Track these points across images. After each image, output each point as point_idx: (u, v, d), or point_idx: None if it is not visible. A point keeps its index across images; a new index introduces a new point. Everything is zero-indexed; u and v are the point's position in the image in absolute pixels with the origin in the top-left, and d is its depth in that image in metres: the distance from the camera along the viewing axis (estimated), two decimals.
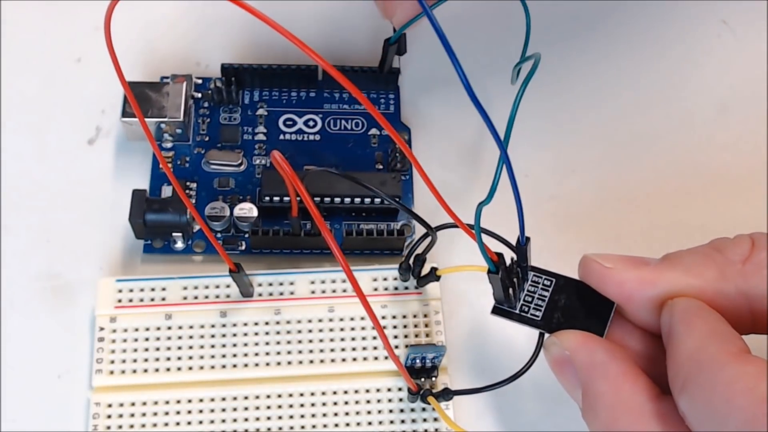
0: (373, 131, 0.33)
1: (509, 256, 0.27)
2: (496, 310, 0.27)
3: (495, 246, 0.27)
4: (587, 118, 0.34)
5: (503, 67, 0.31)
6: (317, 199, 0.30)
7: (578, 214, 0.32)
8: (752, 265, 0.24)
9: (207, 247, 0.31)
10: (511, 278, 0.26)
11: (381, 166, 0.32)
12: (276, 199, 0.30)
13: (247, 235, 0.31)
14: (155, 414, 0.28)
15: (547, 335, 0.27)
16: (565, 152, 0.34)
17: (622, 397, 0.24)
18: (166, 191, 0.31)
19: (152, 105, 0.32)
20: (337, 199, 0.30)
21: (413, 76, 0.35)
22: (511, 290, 0.26)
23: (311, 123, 0.33)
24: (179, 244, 0.31)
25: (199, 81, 0.34)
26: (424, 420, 0.28)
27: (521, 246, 0.26)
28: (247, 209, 0.31)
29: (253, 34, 0.35)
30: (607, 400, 0.24)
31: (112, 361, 0.28)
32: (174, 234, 0.30)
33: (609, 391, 0.24)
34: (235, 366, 0.28)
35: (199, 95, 0.33)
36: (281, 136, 0.33)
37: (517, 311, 0.27)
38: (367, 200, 0.30)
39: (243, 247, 0.31)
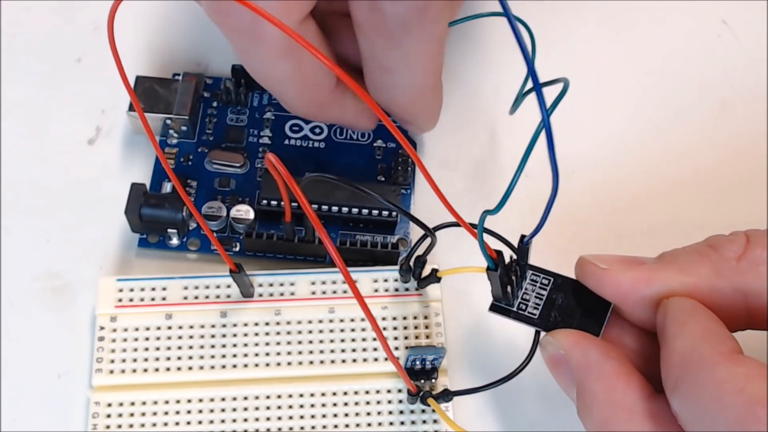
0: (379, 143, 0.33)
1: (508, 254, 0.27)
2: (494, 308, 0.27)
3: (494, 245, 0.27)
4: (587, 117, 0.34)
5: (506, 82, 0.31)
6: (314, 206, 0.30)
7: (578, 214, 0.33)
8: (747, 262, 0.24)
9: (202, 246, 0.31)
10: (510, 276, 0.26)
11: (383, 178, 0.32)
12: (273, 203, 0.30)
13: (241, 237, 0.31)
14: (155, 414, 0.28)
15: (543, 334, 0.27)
16: (565, 152, 0.33)
17: (616, 397, 0.24)
18: (167, 187, 0.32)
19: (159, 100, 0.32)
20: (335, 208, 0.30)
21: None
22: (509, 288, 0.26)
23: (317, 130, 0.33)
24: (174, 241, 0.31)
25: (210, 81, 0.34)
26: (424, 422, 0.28)
27: (523, 245, 0.26)
28: (244, 211, 0.31)
29: None
30: (601, 399, 0.24)
31: (112, 361, 0.28)
32: (169, 230, 0.30)
33: (603, 390, 0.24)
34: (235, 366, 0.28)
35: (208, 95, 0.33)
36: (286, 141, 0.33)
37: (515, 309, 0.27)
38: (365, 211, 0.30)
39: (237, 249, 0.31)
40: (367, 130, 0.32)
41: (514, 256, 0.27)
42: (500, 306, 0.27)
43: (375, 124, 0.32)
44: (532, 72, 0.21)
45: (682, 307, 0.24)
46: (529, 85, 0.30)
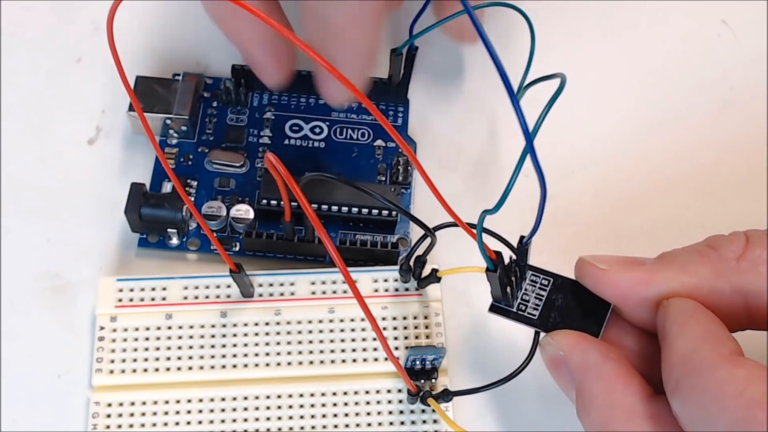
0: (379, 142, 0.33)
1: (508, 254, 0.27)
2: (494, 308, 0.27)
3: (494, 245, 0.27)
4: (587, 117, 0.34)
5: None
6: (314, 206, 0.30)
7: (578, 214, 0.33)
8: (747, 262, 0.24)
9: (202, 246, 0.31)
10: (509, 276, 0.26)
11: (383, 178, 0.32)
12: (273, 202, 0.30)
13: (241, 237, 0.31)
14: (155, 414, 0.28)
15: (542, 334, 0.27)
16: (565, 152, 0.34)
17: (615, 398, 0.24)
18: (167, 187, 0.32)
19: (159, 101, 0.32)
20: (335, 207, 0.30)
21: (421, 89, 0.34)
22: (509, 289, 0.26)
23: (317, 130, 0.33)
24: (174, 240, 0.31)
25: (210, 81, 0.34)
26: (424, 422, 0.28)
27: (522, 246, 0.26)
28: (244, 211, 0.31)
29: None
30: (600, 400, 0.24)
31: (112, 361, 0.28)
32: (169, 230, 0.30)
33: (602, 391, 0.24)
34: (235, 366, 0.28)
35: (208, 95, 0.33)
36: (286, 141, 0.33)
37: (515, 310, 0.27)
38: (365, 210, 0.30)
39: (237, 248, 0.31)
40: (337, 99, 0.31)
41: (514, 257, 0.27)
42: (500, 306, 0.27)
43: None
44: (505, 81, 0.20)
45: (682, 308, 0.24)
46: (530, 77, 0.30)
